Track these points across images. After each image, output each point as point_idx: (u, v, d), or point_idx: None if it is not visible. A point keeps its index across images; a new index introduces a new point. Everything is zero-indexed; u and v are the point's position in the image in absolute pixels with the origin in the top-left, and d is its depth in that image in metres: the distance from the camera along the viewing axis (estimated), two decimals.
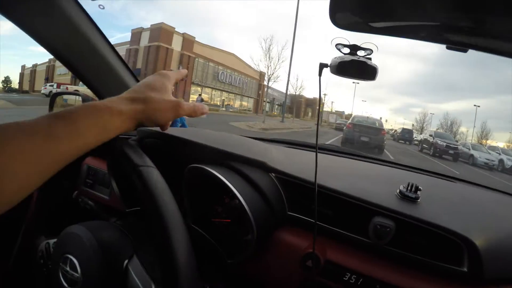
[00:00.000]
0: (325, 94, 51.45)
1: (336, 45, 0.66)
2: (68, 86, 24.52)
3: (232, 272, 0.85)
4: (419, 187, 0.81)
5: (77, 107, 0.51)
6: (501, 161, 19.21)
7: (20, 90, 41.45)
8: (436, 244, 0.72)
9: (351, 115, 25.03)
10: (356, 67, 0.62)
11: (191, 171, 0.82)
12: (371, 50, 0.65)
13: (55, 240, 0.89)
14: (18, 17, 0.87)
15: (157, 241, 0.52)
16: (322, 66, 0.67)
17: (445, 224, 0.70)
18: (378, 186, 0.89)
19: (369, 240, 0.75)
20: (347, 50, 0.66)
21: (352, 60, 0.62)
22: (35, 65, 43.55)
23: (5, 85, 45.47)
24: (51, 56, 0.98)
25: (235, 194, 0.74)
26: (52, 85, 26.68)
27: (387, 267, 0.74)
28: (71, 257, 0.70)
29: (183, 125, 0.95)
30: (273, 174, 0.88)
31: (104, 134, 0.54)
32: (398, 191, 0.82)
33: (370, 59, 0.64)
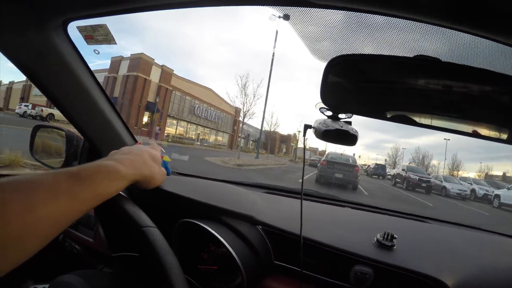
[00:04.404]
0: (299, 131, 52.07)
1: (320, 108, 0.72)
2: (44, 108, 23.66)
3: None
4: (394, 235, 0.87)
5: (95, 168, 0.58)
6: (473, 190, 19.63)
7: None
8: (411, 286, 0.78)
9: (325, 151, 25.08)
10: (339, 136, 0.68)
11: (182, 225, 0.86)
12: (351, 114, 0.72)
13: (43, 286, 0.88)
14: (11, 53, 0.88)
15: None
16: (307, 127, 0.74)
17: (418, 269, 0.77)
18: (358, 234, 0.95)
19: (350, 286, 0.81)
20: (329, 113, 0.73)
21: (336, 129, 0.68)
22: (11, 83, 41.77)
23: None
24: None
25: (224, 245, 0.78)
26: (27, 105, 25.51)
27: None
28: None
29: (166, 169, 0.97)
30: (260, 227, 0.93)
31: (114, 194, 0.61)
32: (375, 239, 0.88)
33: (350, 122, 0.71)
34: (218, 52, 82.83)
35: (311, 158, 28.58)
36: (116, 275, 0.79)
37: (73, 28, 0.92)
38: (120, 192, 0.69)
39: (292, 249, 0.88)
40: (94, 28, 0.99)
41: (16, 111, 26.50)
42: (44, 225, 0.46)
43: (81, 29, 0.99)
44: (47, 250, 1.19)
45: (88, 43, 1.05)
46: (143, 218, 0.66)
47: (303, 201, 0.81)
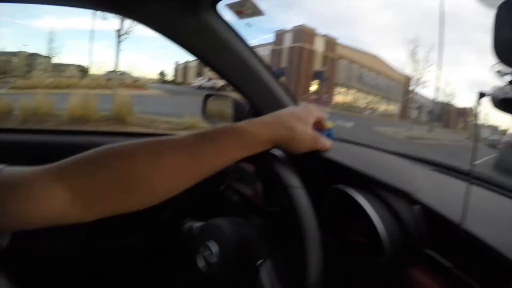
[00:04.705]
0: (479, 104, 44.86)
1: (497, 72, 0.59)
2: (216, 80, 26.61)
3: None
4: None
5: (220, 129, 0.62)
6: None
7: (174, 82, 46.98)
8: None
9: (507, 130, 20.51)
10: None
11: (333, 191, 0.84)
12: None
13: (199, 224, 1.00)
14: (175, 38, 1.01)
15: (294, 258, 0.59)
16: (481, 95, 0.61)
17: None
18: None
19: None
20: (510, 78, 0.59)
21: None
22: (187, 61, 48.79)
23: (161, 77, 51.46)
24: None
25: (372, 220, 0.74)
26: (203, 79, 30.27)
27: None
28: (213, 244, 0.79)
29: (329, 135, 0.95)
30: (418, 206, 0.81)
31: (244, 153, 0.62)
32: None
33: None
34: (383, 16, 77.53)
35: (491, 138, 24.18)
36: (263, 227, 0.84)
37: (222, 8, 0.99)
38: (273, 151, 0.73)
39: (449, 240, 0.74)
40: (241, 3, 1.04)
41: (193, 84, 31.24)
42: (169, 172, 0.53)
43: (230, 6, 1.06)
44: (206, 195, 1.42)
45: (239, 18, 1.11)
46: (291, 177, 0.68)
47: (474, 186, 0.70)
